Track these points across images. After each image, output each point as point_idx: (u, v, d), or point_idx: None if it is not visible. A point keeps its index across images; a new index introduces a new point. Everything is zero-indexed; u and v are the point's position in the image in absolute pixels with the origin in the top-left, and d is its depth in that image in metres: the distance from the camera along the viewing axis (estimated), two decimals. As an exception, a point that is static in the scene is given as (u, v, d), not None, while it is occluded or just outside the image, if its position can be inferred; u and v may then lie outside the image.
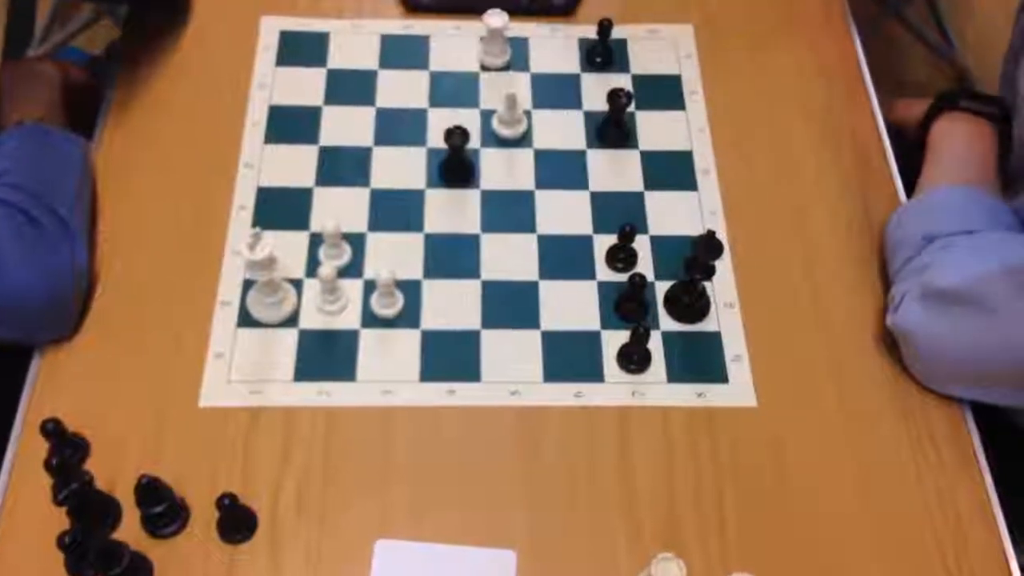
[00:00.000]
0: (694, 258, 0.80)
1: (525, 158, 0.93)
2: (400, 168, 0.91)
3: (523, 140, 0.94)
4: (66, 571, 0.68)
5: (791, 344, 0.83)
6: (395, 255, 0.85)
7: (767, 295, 0.85)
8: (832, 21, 1.04)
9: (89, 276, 0.81)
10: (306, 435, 0.76)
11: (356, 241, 0.86)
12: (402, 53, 0.99)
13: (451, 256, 0.86)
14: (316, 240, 0.86)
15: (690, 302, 0.83)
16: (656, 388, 0.80)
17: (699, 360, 0.81)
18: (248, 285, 0.82)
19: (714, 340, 0.82)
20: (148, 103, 0.93)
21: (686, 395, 0.79)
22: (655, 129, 0.95)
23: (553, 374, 0.80)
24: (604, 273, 0.86)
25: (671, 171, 0.92)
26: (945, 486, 0.76)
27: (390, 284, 0.80)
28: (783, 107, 0.97)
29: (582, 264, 0.86)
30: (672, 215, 0.89)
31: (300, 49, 0.98)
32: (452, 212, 0.89)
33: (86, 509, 0.70)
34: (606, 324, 0.83)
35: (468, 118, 0.93)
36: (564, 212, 0.89)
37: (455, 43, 1.00)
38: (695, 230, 0.87)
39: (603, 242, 0.87)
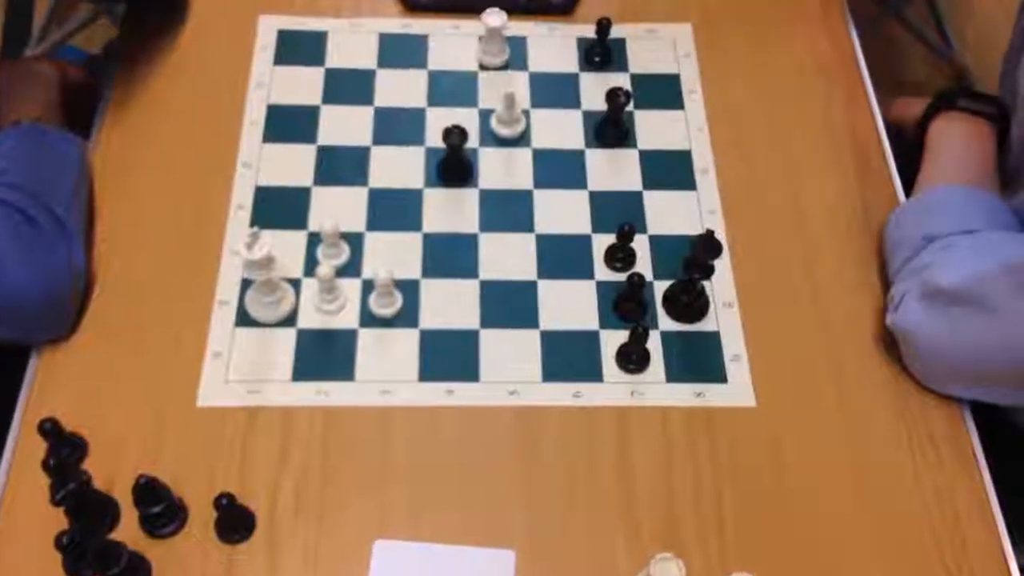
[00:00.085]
0: (693, 258, 0.79)
1: (524, 157, 0.93)
2: (398, 167, 0.91)
3: (522, 139, 0.94)
4: (64, 571, 0.68)
5: (790, 344, 0.83)
6: (393, 254, 0.85)
7: (766, 295, 0.85)
8: (831, 20, 1.04)
9: (87, 276, 0.81)
10: (304, 435, 0.76)
11: (354, 240, 0.86)
12: (400, 52, 0.99)
13: (450, 256, 0.86)
14: (314, 239, 0.85)
15: (689, 302, 0.83)
16: (655, 388, 0.80)
17: (698, 360, 0.81)
18: (246, 284, 0.82)
19: (713, 340, 0.82)
20: (146, 102, 0.93)
21: (685, 395, 0.79)
22: (654, 128, 0.95)
23: (552, 374, 0.80)
24: (603, 273, 0.85)
25: (670, 170, 0.92)
26: (944, 486, 0.76)
27: (388, 284, 0.80)
28: (782, 106, 0.97)
29: (581, 264, 0.86)
30: (671, 214, 0.89)
31: (298, 48, 0.98)
32: (450, 211, 0.88)
33: (84, 509, 0.70)
34: (605, 324, 0.83)
35: (466, 117, 0.93)
36: (563, 211, 0.89)
37: (453, 42, 1.00)
38: (694, 229, 0.87)
39: (602, 241, 0.87)
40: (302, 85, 0.96)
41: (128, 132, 0.91)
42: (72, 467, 0.70)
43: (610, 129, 0.94)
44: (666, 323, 0.83)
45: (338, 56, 0.98)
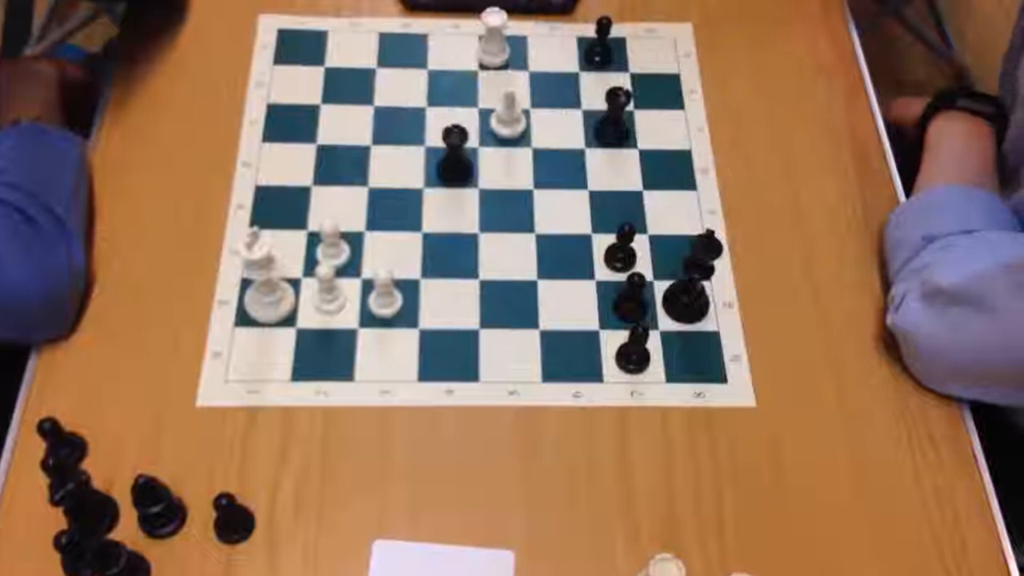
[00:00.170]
0: (693, 258, 0.79)
1: (524, 157, 0.92)
2: (398, 167, 0.91)
3: (522, 139, 0.94)
4: (63, 571, 0.68)
5: (790, 344, 0.83)
6: (393, 254, 0.85)
7: (766, 295, 0.85)
8: (831, 20, 1.04)
9: (86, 275, 0.81)
10: (304, 435, 0.76)
11: (354, 240, 0.86)
12: (400, 52, 0.99)
13: (449, 255, 0.86)
14: (314, 239, 0.85)
15: (689, 302, 0.83)
16: (655, 388, 0.80)
17: (698, 360, 0.81)
18: (246, 284, 0.82)
19: (713, 340, 0.82)
20: (146, 101, 0.93)
21: (685, 395, 0.79)
22: (654, 128, 0.95)
23: (552, 374, 0.80)
24: (603, 273, 0.85)
25: (670, 170, 0.92)
26: (944, 486, 0.76)
27: (388, 284, 0.80)
28: (782, 106, 0.97)
29: (581, 264, 0.86)
30: (671, 214, 0.89)
31: (298, 47, 0.98)
32: (450, 211, 0.88)
33: (83, 509, 0.70)
34: (605, 324, 0.82)
35: (466, 117, 0.93)
36: (563, 211, 0.89)
37: (453, 42, 1.00)
38: (694, 229, 0.87)
39: (602, 241, 0.87)
40: (302, 84, 0.96)
41: (128, 131, 0.91)
42: (71, 467, 0.70)
43: (610, 129, 0.94)
44: (666, 323, 0.83)
45: (338, 55, 0.98)
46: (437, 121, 0.92)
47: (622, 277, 0.82)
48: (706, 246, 0.78)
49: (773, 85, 0.99)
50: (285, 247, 0.84)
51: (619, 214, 0.87)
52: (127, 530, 0.71)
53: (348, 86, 0.96)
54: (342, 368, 0.79)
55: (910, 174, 0.91)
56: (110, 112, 0.92)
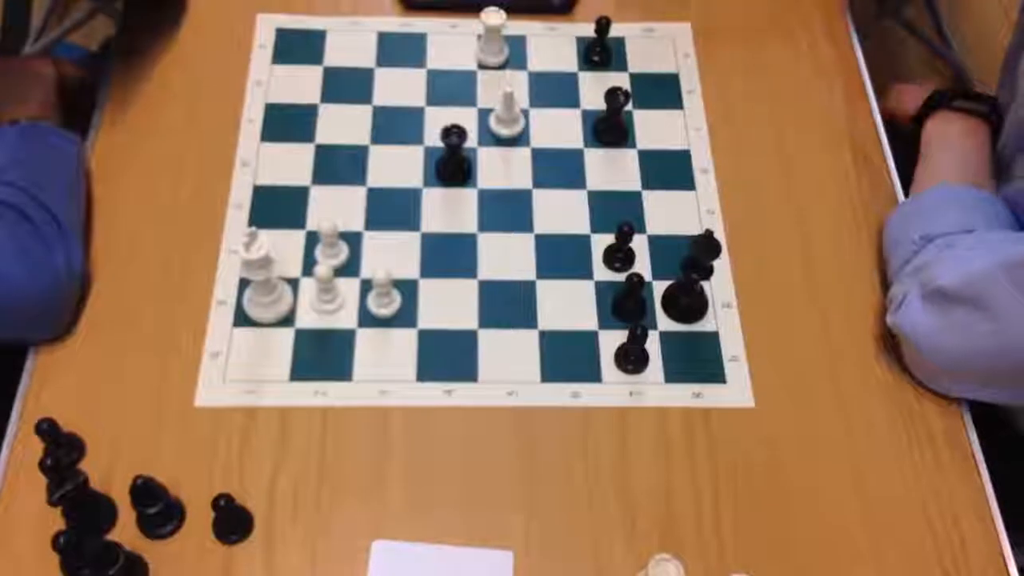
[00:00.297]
0: (692, 258, 0.79)
1: (522, 157, 0.92)
2: (397, 167, 0.91)
3: (520, 139, 0.93)
4: (61, 572, 0.68)
5: (789, 344, 0.82)
6: (392, 254, 0.85)
7: (765, 295, 0.85)
8: (831, 21, 1.04)
9: (84, 275, 0.80)
10: (302, 435, 0.76)
11: (353, 240, 0.86)
12: (399, 51, 0.99)
13: (448, 255, 0.85)
14: (312, 239, 0.85)
15: (688, 302, 0.83)
16: (654, 388, 0.80)
17: (697, 360, 0.81)
18: (244, 284, 0.82)
19: (712, 340, 0.82)
20: (144, 101, 0.93)
21: (683, 395, 0.79)
22: (653, 128, 0.95)
23: (550, 374, 0.80)
24: (601, 273, 0.85)
25: (669, 170, 0.92)
26: (943, 487, 0.76)
27: (387, 283, 0.79)
28: (781, 106, 0.97)
29: (579, 264, 0.86)
30: (670, 214, 0.89)
31: (297, 47, 0.98)
32: (449, 211, 0.88)
33: (81, 509, 0.69)
34: (603, 324, 0.82)
35: (465, 117, 0.92)
36: (561, 211, 0.89)
37: (452, 41, 1.00)
38: (693, 230, 0.87)
39: (601, 241, 0.87)
40: (300, 84, 0.95)
41: (126, 130, 0.91)
42: (69, 467, 0.69)
43: (609, 128, 0.94)
44: (665, 323, 0.83)
45: (337, 55, 0.98)
46: (436, 121, 0.91)
47: (621, 277, 0.82)
48: (705, 246, 0.78)
49: (772, 85, 0.99)
50: (283, 247, 0.84)
51: (618, 214, 0.86)
52: (125, 530, 0.71)
53: (347, 85, 0.96)
54: (341, 368, 0.79)
55: (910, 174, 0.91)
56: (108, 111, 0.92)
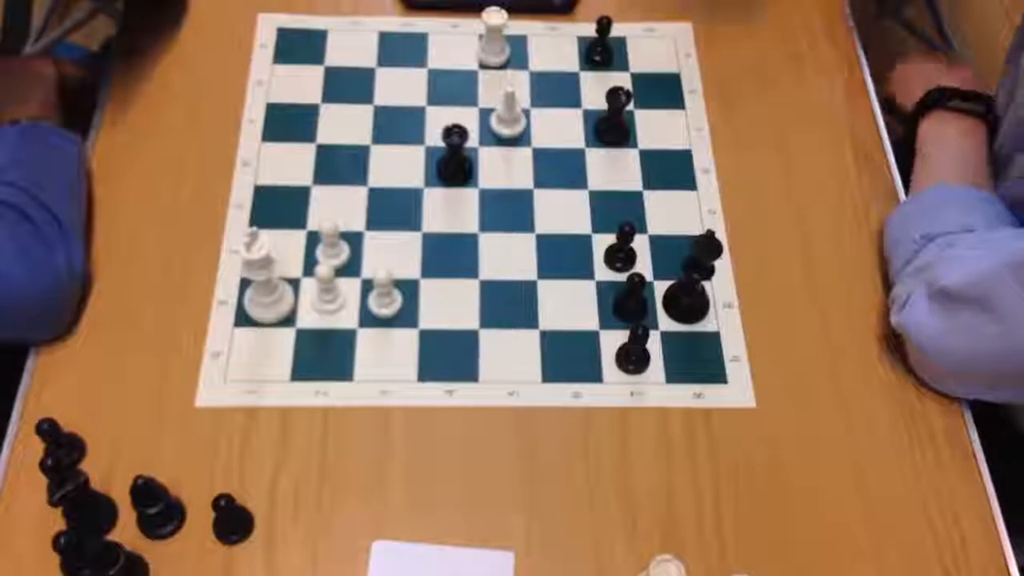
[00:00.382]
0: (693, 258, 0.79)
1: (524, 157, 0.92)
2: (398, 167, 0.91)
3: (522, 139, 0.93)
4: (62, 572, 0.68)
5: (790, 344, 0.82)
6: (393, 254, 0.85)
7: (766, 295, 0.85)
8: (831, 21, 1.04)
9: (84, 275, 0.80)
10: (303, 435, 0.76)
11: (354, 240, 0.86)
12: (400, 51, 0.99)
13: (449, 255, 0.85)
14: (313, 239, 0.85)
15: (689, 302, 0.83)
16: (655, 388, 0.80)
17: (698, 360, 0.81)
18: (245, 284, 0.82)
19: (713, 340, 0.82)
20: (145, 101, 0.93)
21: (685, 396, 0.79)
22: (654, 128, 0.95)
23: (551, 374, 0.80)
24: (603, 273, 0.85)
25: (670, 170, 0.92)
26: (944, 486, 0.76)
27: (388, 283, 0.79)
28: (782, 106, 0.97)
29: (581, 264, 0.86)
30: (671, 214, 0.89)
31: (298, 46, 0.98)
32: (450, 211, 0.88)
33: (82, 510, 0.69)
34: (605, 324, 0.82)
35: (466, 116, 0.92)
36: (563, 211, 0.89)
37: (454, 41, 1.00)
38: (694, 230, 0.87)
39: (602, 241, 0.87)
40: (301, 83, 0.95)
41: (127, 130, 0.91)
42: (70, 467, 0.69)
43: (610, 128, 0.94)
44: (666, 323, 0.83)
45: (338, 54, 0.98)
46: (437, 120, 0.91)
47: (622, 277, 0.82)
48: (706, 246, 0.78)
49: (773, 85, 0.99)
50: (284, 247, 0.84)
51: (619, 214, 0.86)
52: (126, 531, 0.71)
53: (348, 85, 0.96)
54: (342, 368, 0.79)
55: (911, 174, 0.91)
56: (109, 111, 0.92)
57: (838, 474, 0.76)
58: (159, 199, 0.87)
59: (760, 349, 0.82)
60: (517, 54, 0.99)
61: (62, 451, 0.71)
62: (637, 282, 0.79)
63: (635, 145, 0.94)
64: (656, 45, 1.01)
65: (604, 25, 0.97)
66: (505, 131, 0.93)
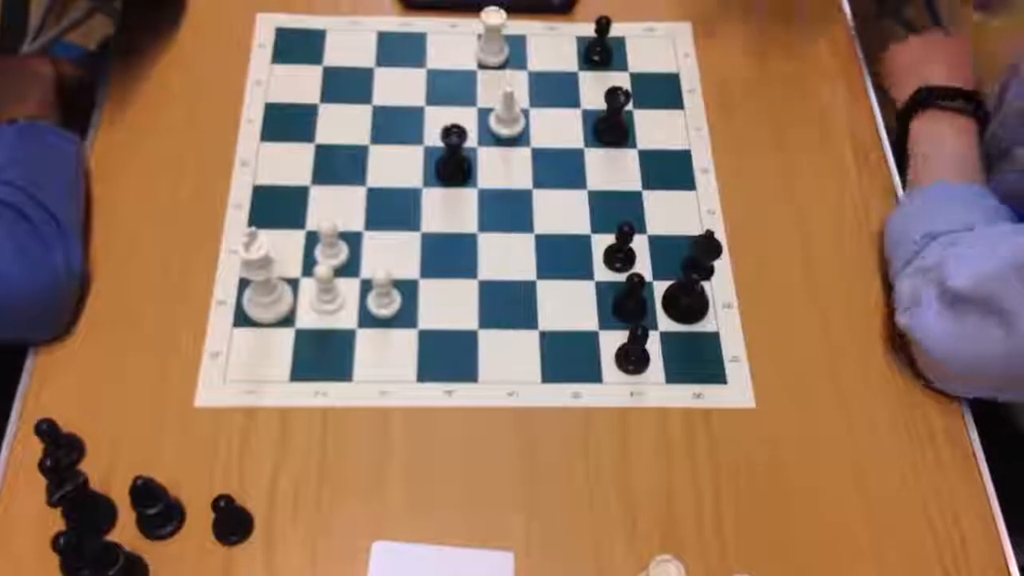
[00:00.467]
0: (692, 258, 0.79)
1: (523, 157, 0.92)
2: (397, 167, 0.91)
3: (520, 139, 0.93)
4: (61, 573, 0.68)
5: (790, 345, 0.82)
6: (392, 254, 0.85)
7: (766, 295, 0.85)
8: (831, 20, 1.04)
9: (83, 274, 0.80)
10: (302, 435, 0.76)
11: (353, 240, 0.85)
12: (399, 51, 0.98)
13: (448, 255, 0.85)
14: (312, 239, 0.85)
15: (688, 302, 0.83)
16: (654, 389, 0.79)
17: (697, 361, 0.81)
18: (244, 284, 0.82)
19: (712, 341, 0.82)
20: (143, 100, 0.93)
21: (684, 396, 0.79)
22: (653, 128, 0.95)
23: (551, 375, 0.79)
24: (602, 273, 0.85)
25: (669, 170, 0.92)
26: (944, 486, 0.76)
27: (387, 284, 0.79)
28: (782, 106, 0.97)
29: (580, 264, 0.85)
30: (670, 214, 0.89)
31: (296, 46, 0.98)
32: (449, 211, 0.88)
33: (81, 510, 0.69)
34: (604, 324, 0.82)
35: (465, 116, 0.92)
36: (562, 211, 0.89)
37: (452, 41, 1.00)
38: (693, 230, 0.87)
39: (601, 241, 0.87)
40: (300, 83, 0.95)
41: (125, 130, 0.91)
42: (69, 468, 0.69)
43: (609, 128, 0.94)
44: (665, 324, 0.83)
45: (336, 54, 0.98)
46: (436, 120, 0.91)
47: (621, 277, 0.82)
48: (705, 246, 0.78)
49: (772, 84, 0.98)
50: (283, 247, 0.84)
51: (618, 214, 0.86)
52: (125, 531, 0.70)
53: (346, 85, 0.95)
54: (341, 368, 0.79)
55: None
56: (107, 111, 0.92)
57: (838, 474, 0.76)
58: (158, 199, 0.87)
59: (760, 349, 0.82)
60: (516, 54, 0.99)
61: (61, 451, 0.71)
62: (636, 282, 0.79)
63: (634, 145, 0.94)
64: (655, 45, 1.01)
65: (603, 25, 0.96)
66: (504, 131, 0.93)
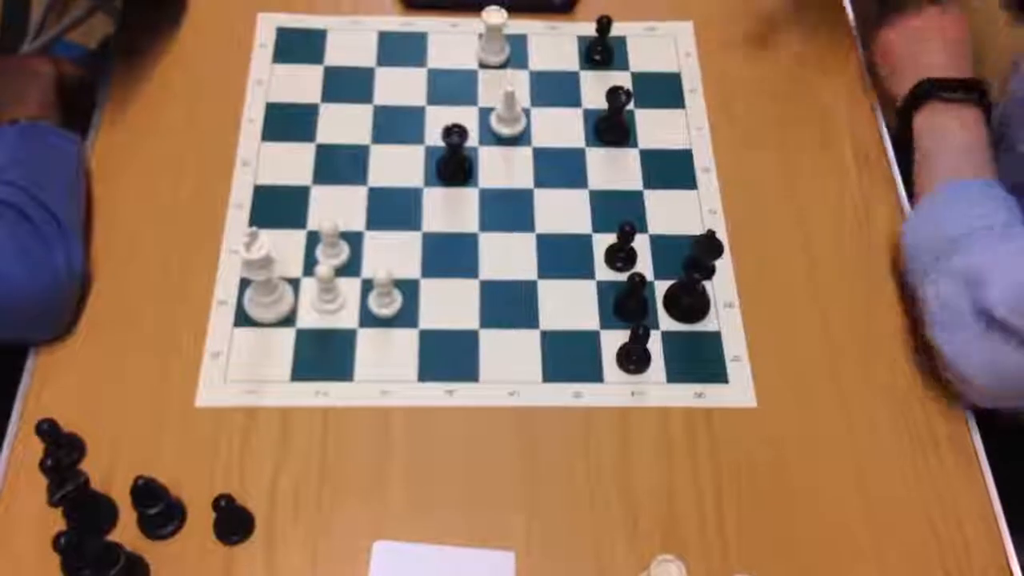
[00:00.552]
0: (694, 258, 0.79)
1: (524, 156, 0.92)
2: (398, 166, 0.90)
3: (522, 138, 0.93)
4: (62, 573, 0.68)
5: (791, 344, 0.82)
6: (393, 254, 0.85)
7: (767, 295, 0.85)
8: (831, 20, 1.04)
9: (84, 274, 0.80)
10: (303, 435, 0.76)
11: (354, 240, 0.85)
12: (400, 50, 0.98)
13: (449, 255, 0.85)
14: (313, 239, 0.85)
15: (690, 302, 0.83)
16: (655, 388, 0.79)
17: (699, 360, 0.81)
18: (245, 284, 0.82)
19: (714, 340, 0.82)
20: (144, 100, 0.93)
21: (685, 395, 0.79)
22: (654, 127, 0.95)
23: (552, 374, 0.79)
24: (603, 272, 0.85)
25: (670, 170, 0.92)
26: (946, 488, 0.76)
27: (388, 283, 0.79)
28: (783, 105, 0.97)
29: (581, 263, 0.85)
30: (671, 214, 0.89)
31: (297, 46, 0.98)
32: (450, 211, 0.88)
33: (82, 510, 0.69)
34: (605, 324, 0.82)
35: (466, 116, 0.92)
36: (563, 211, 0.89)
37: (453, 40, 1.00)
38: (695, 229, 0.87)
39: (602, 241, 0.87)
40: (301, 83, 0.95)
41: (126, 130, 0.91)
42: (70, 468, 0.69)
43: (610, 128, 0.93)
44: (667, 323, 0.83)
45: (337, 54, 0.98)
46: (437, 120, 0.91)
47: (622, 277, 0.82)
48: (707, 246, 0.78)
49: (773, 84, 0.98)
50: (284, 247, 0.84)
51: (619, 213, 0.86)
52: (126, 531, 0.70)
53: (347, 85, 0.95)
54: (342, 368, 0.79)
55: (912, 174, 0.90)
56: (108, 110, 0.92)
57: (839, 474, 0.76)
58: (158, 199, 0.87)
59: (761, 349, 0.82)
60: (517, 53, 0.99)
61: (62, 451, 0.71)
62: (638, 282, 0.79)
63: (635, 144, 0.94)
64: (656, 44, 1.01)
65: (604, 24, 0.96)
66: (505, 130, 0.93)
